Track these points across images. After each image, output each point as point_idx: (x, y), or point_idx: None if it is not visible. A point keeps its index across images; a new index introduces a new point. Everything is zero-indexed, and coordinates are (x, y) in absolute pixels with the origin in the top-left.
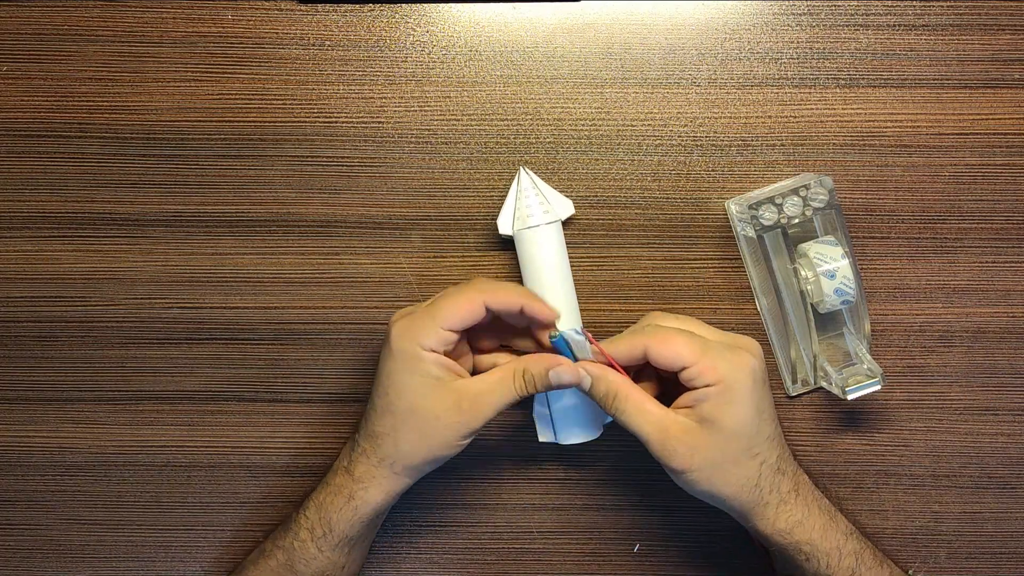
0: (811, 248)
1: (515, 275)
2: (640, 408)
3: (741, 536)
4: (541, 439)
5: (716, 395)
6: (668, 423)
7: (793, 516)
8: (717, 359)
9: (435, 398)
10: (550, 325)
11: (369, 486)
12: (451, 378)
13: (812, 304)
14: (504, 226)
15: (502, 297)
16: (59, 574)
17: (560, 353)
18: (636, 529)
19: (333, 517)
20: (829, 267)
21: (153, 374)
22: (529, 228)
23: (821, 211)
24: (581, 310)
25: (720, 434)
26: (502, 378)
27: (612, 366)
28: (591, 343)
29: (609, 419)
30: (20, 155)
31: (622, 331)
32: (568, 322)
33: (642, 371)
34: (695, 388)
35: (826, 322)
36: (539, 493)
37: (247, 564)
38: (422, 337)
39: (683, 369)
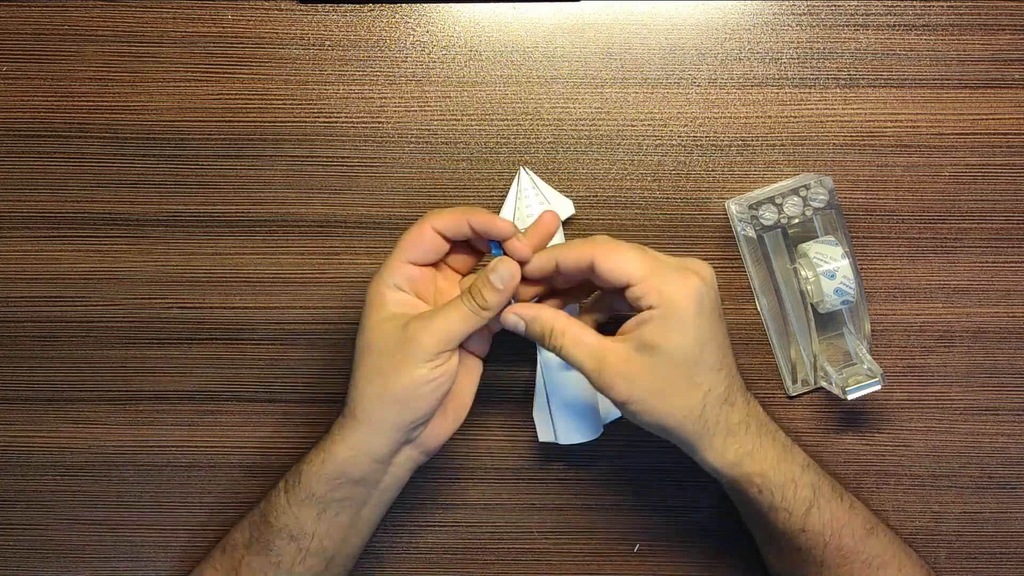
0: (811, 248)
1: None
2: (577, 340)
3: (741, 536)
4: (541, 439)
5: (657, 319)
6: (606, 352)
7: (742, 447)
8: (663, 280)
9: (387, 331)
10: (508, 237)
11: (337, 438)
12: (407, 312)
13: (812, 304)
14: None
15: (447, 218)
16: (59, 574)
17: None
18: (636, 529)
19: (303, 468)
20: (829, 267)
21: (153, 374)
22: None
23: (821, 211)
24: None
25: (659, 360)
26: (451, 301)
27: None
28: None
29: (610, 419)
30: (20, 155)
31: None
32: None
33: (593, 304)
34: (640, 310)
35: (826, 322)
36: (539, 493)
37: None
38: (385, 276)
39: (628, 287)
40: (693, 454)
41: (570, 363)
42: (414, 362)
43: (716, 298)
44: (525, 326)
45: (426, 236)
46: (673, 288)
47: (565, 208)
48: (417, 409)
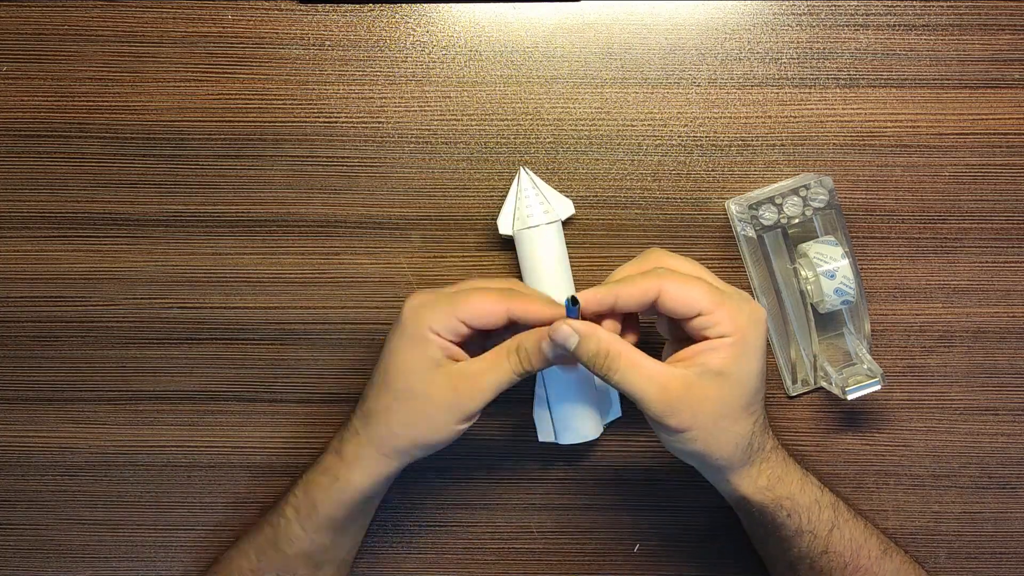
0: (811, 248)
1: (515, 275)
2: (635, 365)
3: (741, 536)
4: (541, 439)
5: (731, 346)
6: (668, 380)
7: (774, 472)
8: (735, 309)
9: (432, 380)
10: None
11: (355, 467)
12: (451, 362)
13: (812, 304)
14: (504, 226)
15: (532, 313)
16: (59, 574)
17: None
18: (636, 529)
19: (318, 497)
20: (829, 267)
21: (153, 374)
22: (529, 228)
23: (821, 211)
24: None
25: (727, 388)
26: (496, 356)
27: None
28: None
29: (609, 419)
30: (20, 155)
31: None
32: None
33: (625, 325)
34: (706, 338)
35: (826, 322)
36: (539, 493)
37: (241, 536)
38: (434, 320)
39: (697, 316)
40: (727, 482)
41: (623, 389)
42: (458, 420)
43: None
44: (578, 342)
45: (498, 317)
46: (747, 319)
47: (565, 208)
48: (441, 446)
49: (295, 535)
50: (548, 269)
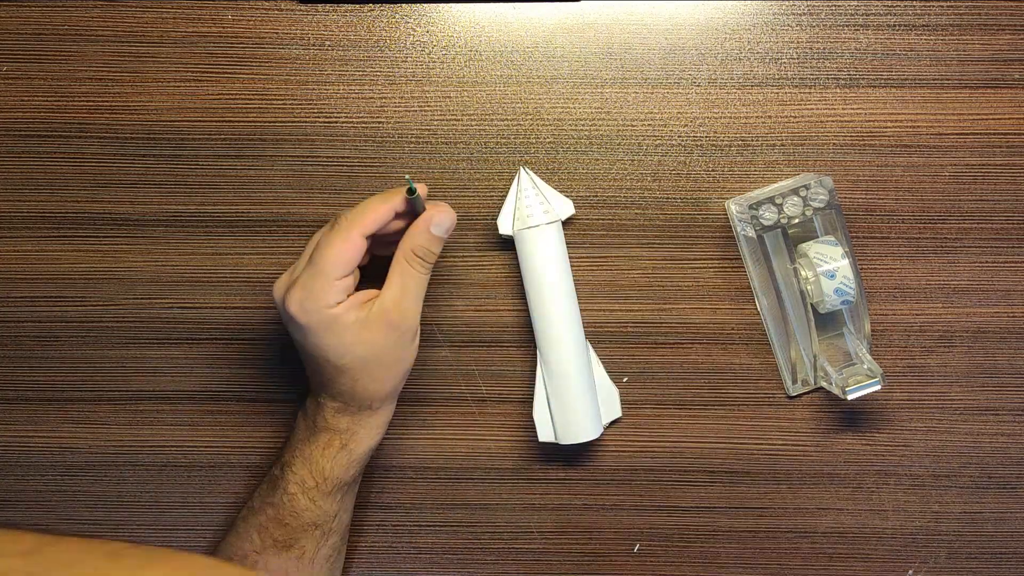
0: (811, 248)
1: (514, 275)
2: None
3: (740, 536)
4: (541, 439)
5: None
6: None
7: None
8: None
9: (369, 337)
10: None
11: (359, 430)
12: (368, 309)
13: (812, 304)
14: (504, 226)
15: (371, 219)
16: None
17: (417, 206)
18: (636, 529)
19: (327, 467)
20: (829, 267)
21: (153, 374)
22: (529, 228)
23: (821, 211)
24: (582, 310)
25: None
26: (401, 274)
27: None
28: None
29: (609, 420)
30: (20, 155)
31: (621, 330)
32: (568, 324)
33: None
34: None
35: (826, 322)
36: (539, 493)
37: (237, 521)
38: (323, 299)
39: None
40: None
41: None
42: (410, 346)
43: None
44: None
45: (359, 249)
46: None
47: (565, 208)
48: (412, 362)
49: (301, 507)
50: (548, 269)
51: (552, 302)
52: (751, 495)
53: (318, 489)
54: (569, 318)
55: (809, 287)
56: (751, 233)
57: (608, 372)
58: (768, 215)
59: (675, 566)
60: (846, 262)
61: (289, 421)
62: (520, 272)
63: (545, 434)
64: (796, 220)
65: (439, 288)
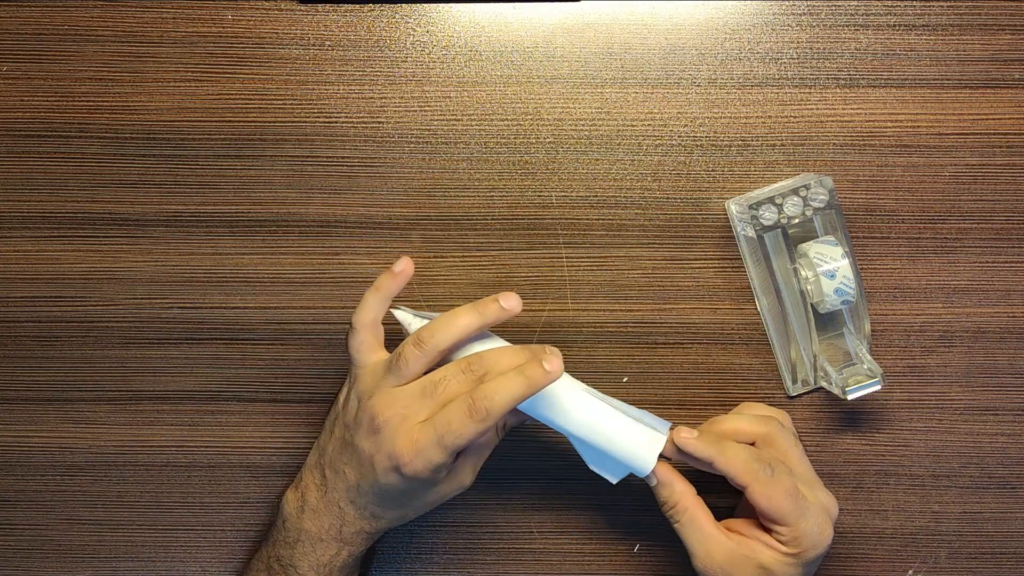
0: (811, 248)
1: (515, 275)
2: (695, 523)
3: None
4: (614, 481)
5: (785, 555)
6: (716, 547)
7: None
8: (809, 527)
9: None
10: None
11: (359, 544)
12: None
13: (812, 304)
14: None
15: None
16: (60, 574)
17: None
18: (636, 529)
19: (334, 571)
20: (829, 267)
21: (153, 374)
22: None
23: (821, 211)
24: (581, 310)
25: None
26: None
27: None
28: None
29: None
30: (20, 155)
31: (621, 330)
32: (569, 385)
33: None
34: (771, 530)
35: (826, 322)
36: (539, 493)
37: None
38: (435, 463)
39: (774, 522)
40: None
41: (679, 536)
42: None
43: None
44: (656, 483)
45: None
46: (811, 541)
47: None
48: None
49: None
50: (574, 405)
51: (604, 427)
52: None
53: None
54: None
55: (809, 287)
56: (751, 233)
57: (608, 372)
58: (768, 215)
59: (675, 566)
60: (846, 262)
61: (288, 421)
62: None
63: (617, 475)
64: (796, 220)
65: (439, 288)
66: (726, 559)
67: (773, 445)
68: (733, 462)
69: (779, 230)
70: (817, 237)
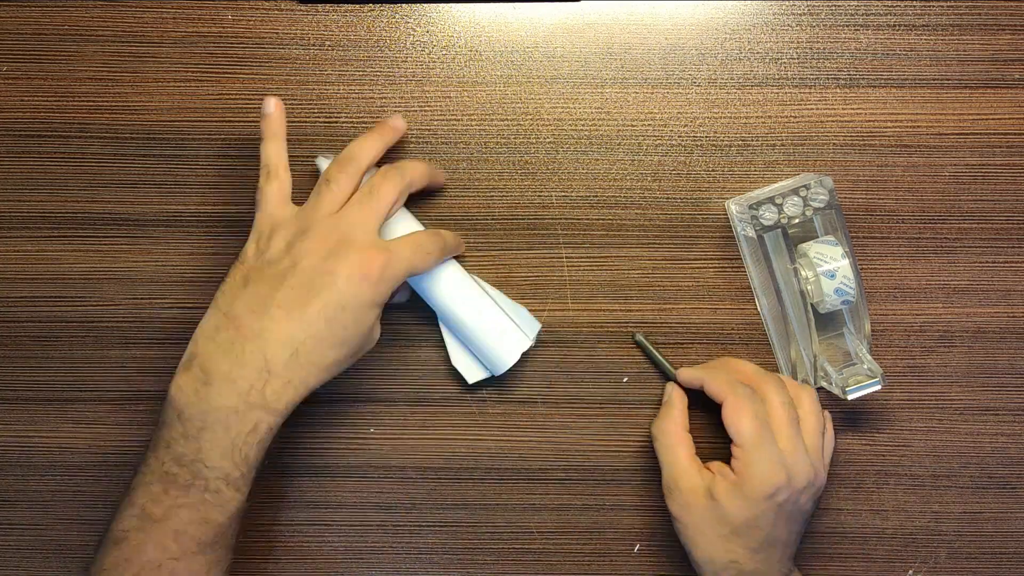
0: (811, 248)
1: (515, 274)
2: (673, 445)
3: None
4: (471, 381)
5: (732, 484)
6: (684, 471)
7: None
8: (757, 459)
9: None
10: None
11: (281, 411)
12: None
13: (812, 304)
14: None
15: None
16: (59, 574)
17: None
18: (636, 529)
19: (250, 453)
20: (829, 267)
21: (153, 374)
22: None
23: (821, 211)
24: (581, 310)
25: (712, 510)
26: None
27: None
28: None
29: (534, 332)
30: (20, 155)
31: (621, 330)
32: (455, 268)
33: None
34: (731, 460)
35: (826, 322)
36: (539, 493)
37: (129, 535)
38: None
39: (734, 442)
40: None
41: (656, 454)
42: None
43: (797, 501)
44: (666, 395)
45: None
46: (758, 472)
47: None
48: None
49: (228, 499)
50: (395, 227)
51: (491, 313)
52: None
53: (244, 477)
54: (508, 306)
55: (809, 287)
56: (751, 233)
57: (608, 372)
58: (768, 215)
59: (675, 566)
60: (846, 262)
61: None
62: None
63: (473, 375)
64: (796, 220)
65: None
66: (688, 484)
67: (766, 398)
68: (717, 381)
69: (779, 230)
70: (817, 237)
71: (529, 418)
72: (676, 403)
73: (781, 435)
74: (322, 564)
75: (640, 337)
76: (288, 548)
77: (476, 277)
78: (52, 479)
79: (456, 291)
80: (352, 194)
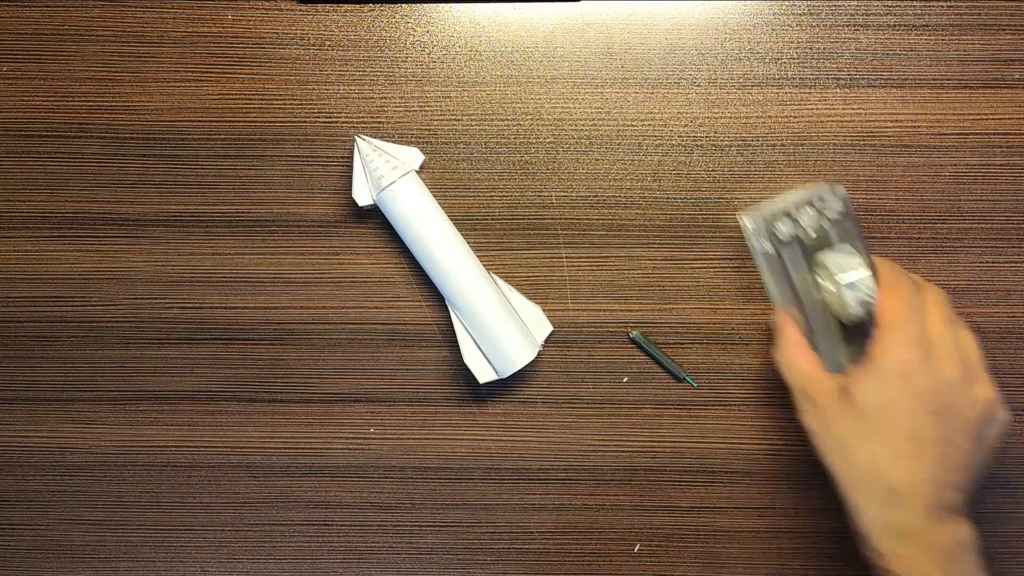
0: (829, 258)
1: (515, 275)
2: (791, 348)
3: (740, 536)
4: (482, 381)
5: (867, 371)
6: (809, 375)
7: (901, 549)
8: (900, 343)
9: None
10: None
11: None
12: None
13: (835, 315)
14: (361, 197)
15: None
16: (59, 574)
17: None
18: (636, 529)
19: None
20: (850, 278)
21: (153, 374)
22: (387, 188)
23: (837, 222)
24: (581, 310)
25: (850, 409)
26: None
27: None
28: None
29: (543, 337)
30: (20, 155)
31: (621, 329)
32: (462, 260)
33: None
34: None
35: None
36: (539, 493)
37: None
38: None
39: (878, 324)
40: (850, 516)
41: (777, 367)
42: None
43: (935, 388)
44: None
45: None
46: (891, 348)
47: (414, 158)
48: None
49: None
50: (423, 218)
51: (438, 246)
52: (752, 495)
53: None
54: (460, 255)
55: (832, 298)
56: (769, 248)
57: (608, 372)
58: (785, 229)
59: (675, 566)
60: (868, 273)
61: (288, 421)
62: (398, 235)
63: (484, 375)
64: (813, 232)
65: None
66: (819, 388)
67: (924, 299)
68: (882, 264)
69: (798, 243)
70: (833, 246)
71: (529, 418)
72: (786, 326)
73: (930, 324)
74: (322, 564)
75: (636, 334)
76: (289, 548)
77: (493, 275)
78: (52, 479)
79: (479, 289)
80: None
